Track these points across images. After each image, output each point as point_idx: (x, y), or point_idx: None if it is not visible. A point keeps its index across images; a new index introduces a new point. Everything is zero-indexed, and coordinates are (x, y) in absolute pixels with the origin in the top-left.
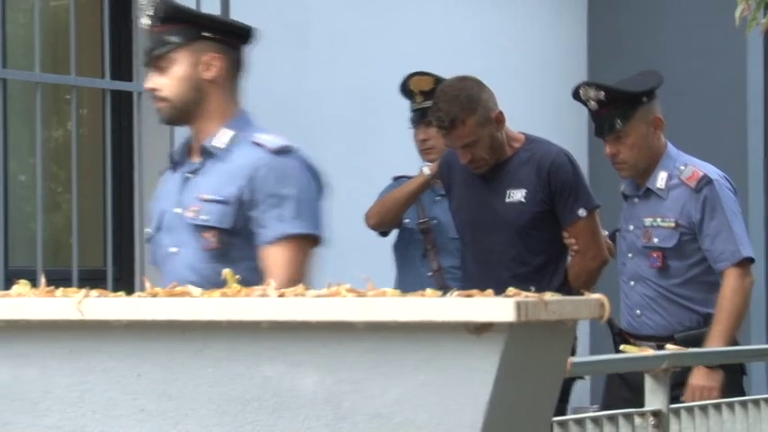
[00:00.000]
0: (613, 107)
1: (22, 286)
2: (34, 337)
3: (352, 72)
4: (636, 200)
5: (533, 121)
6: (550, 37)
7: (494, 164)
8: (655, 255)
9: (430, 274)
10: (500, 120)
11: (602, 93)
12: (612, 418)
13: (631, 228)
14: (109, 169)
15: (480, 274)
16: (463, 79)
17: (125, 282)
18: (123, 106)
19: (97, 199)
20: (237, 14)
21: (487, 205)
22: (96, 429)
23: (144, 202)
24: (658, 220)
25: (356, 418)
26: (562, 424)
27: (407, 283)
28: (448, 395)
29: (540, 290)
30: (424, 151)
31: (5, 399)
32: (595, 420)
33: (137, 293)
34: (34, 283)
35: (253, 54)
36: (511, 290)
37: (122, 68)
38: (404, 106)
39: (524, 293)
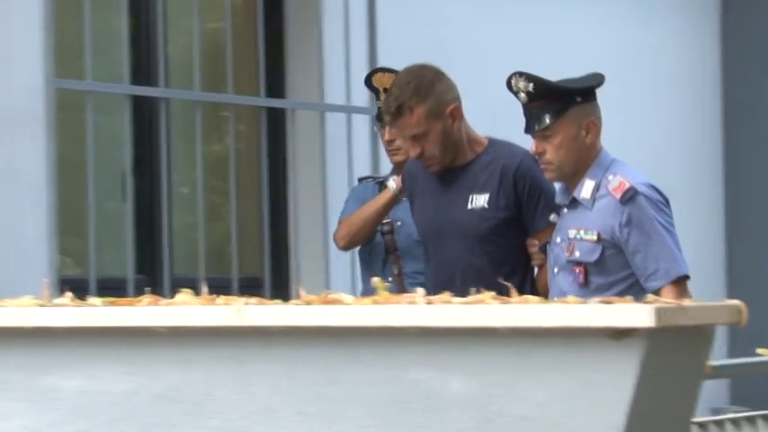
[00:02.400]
0: (543, 102)
1: (185, 295)
2: (198, 342)
3: (488, 86)
4: (565, 210)
5: (667, 129)
6: (683, 43)
7: (448, 164)
8: (577, 270)
9: (390, 279)
10: (456, 115)
11: (531, 85)
12: (751, 419)
13: (558, 240)
14: (265, 182)
15: (441, 286)
16: (422, 67)
17: (281, 289)
18: (277, 122)
19: (254, 210)
20: (384, 32)
21: (448, 212)
22: (257, 431)
23: (298, 213)
24: (581, 232)
25: (503, 420)
26: (702, 425)
27: (368, 289)
28: (591, 398)
29: None
30: (391, 152)
31: (172, 401)
32: (734, 422)
33: (293, 301)
34: (197, 292)
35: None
36: (650, 297)
37: (276, 87)
38: None
39: (663, 300)
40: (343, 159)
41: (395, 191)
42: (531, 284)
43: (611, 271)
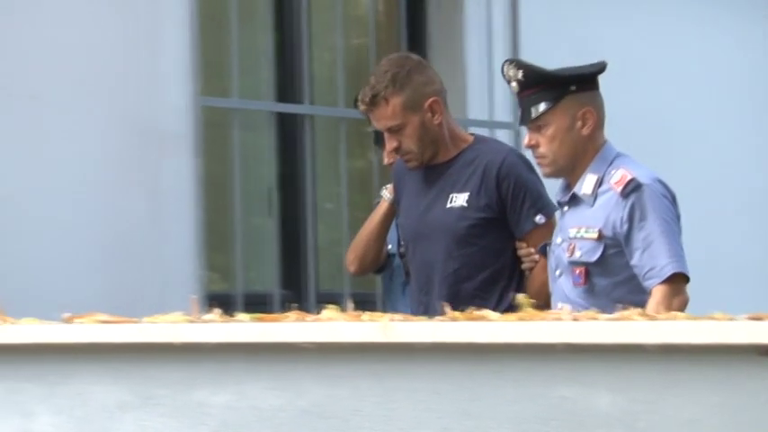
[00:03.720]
0: (535, 91)
1: (331, 311)
2: (344, 358)
3: (633, 94)
4: (565, 208)
5: None
6: None
7: (428, 161)
8: (578, 271)
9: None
10: (436, 109)
11: (521, 72)
12: None
13: (559, 240)
14: None
15: (421, 291)
16: (404, 57)
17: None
18: None
19: None
20: (526, 46)
21: (428, 212)
22: None
23: None
24: (582, 230)
25: None
26: None
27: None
28: (740, 416)
29: (489, 308)
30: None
31: (320, 417)
32: None
33: (437, 317)
34: (342, 307)
35: None
36: None
37: None
38: (686, 129)
39: None
40: None
41: (390, 200)
42: (518, 290)
43: (615, 271)
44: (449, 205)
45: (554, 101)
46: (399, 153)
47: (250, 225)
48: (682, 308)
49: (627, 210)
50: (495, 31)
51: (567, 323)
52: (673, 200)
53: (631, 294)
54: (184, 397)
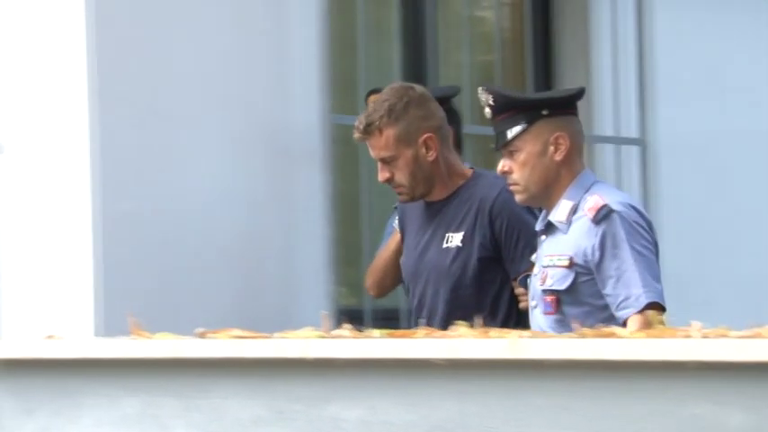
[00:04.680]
0: (507, 116)
1: (460, 327)
2: (473, 374)
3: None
4: (543, 237)
5: None
6: None
7: (420, 197)
8: (548, 299)
9: None
10: (431, 145)
11: (491, 97)
12: None
13: (536, 271)
14: None
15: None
16: (406, 88)
17: None
18: None
19: None
20: (653, 61)
21: (425, 252)
22: None
23: None
24: (555, 258)
25: None
26: None
27: None
28: None
29: None
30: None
31: None
32: None
33: (566, 334)
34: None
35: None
36: None
37: None
38: None
39: None
40: None
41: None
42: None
43: (585, 300)
44: (444, 245)
45: (525, 126)
46: (392, 185)
47: (378, 240)
48: None
49: (599, 238)
50: (622, 47)
51: (697, 340)
52: (647, 226)
53: (603, 323)
54: (318, 412)
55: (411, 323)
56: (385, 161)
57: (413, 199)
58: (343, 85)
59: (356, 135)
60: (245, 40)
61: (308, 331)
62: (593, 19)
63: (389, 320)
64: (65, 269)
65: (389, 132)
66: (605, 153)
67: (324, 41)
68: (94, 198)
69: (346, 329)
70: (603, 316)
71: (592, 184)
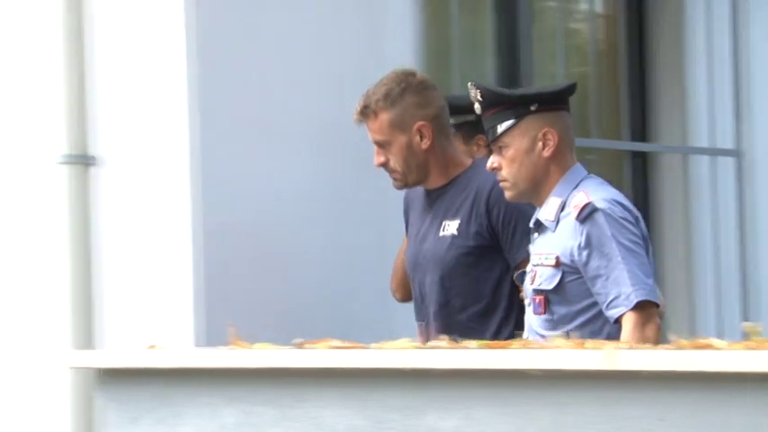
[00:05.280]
0: (495, 111)
1: (559, 338)
2: (569, 385)
3: None
4: (535, 234)
5: None
6: None
7: (413, 184)
8: (538, 299)
9: None
10: (425, 133)
11: (479, 93)
12: None
13: (528, 269)
14: None
15: (420, 324)
16: (407, 74)
17: None
18: (642, 164)
19: None
20: (749, 71)
21: (424, 241)
22: None
23: (661, 256)
24: (543, 257)
25: None
26: None
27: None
28: None
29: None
30: None
31: None
32: None
33: (662, 345)
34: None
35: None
36: None
37: (641, 130)
38: None
39: None
40: (707, 203)
41: None
42: (517, 323)
43: (574, 300)
44: (441, 234)
45: (514, 121)
46: (387, 169)
47: None
48: (655, 334)
49: (584, 236)
50: (717, 57)
51: None
52: (634, 221)
53: (591, 323)
54: (414, 421)
55: (417, 315)
56: (380, 144)
57: (406, 185)
58: None
59: (354, 116)
60: (339, 55)
61: (404, 342)
62: (688, 30)
63: None
64: (165, 280)
65: (384, 117)
66: (700, 164)
67: (419, 54)
68: (194, 210)
69: (443, 340)
70: (591, 314)
71: (581, 180)
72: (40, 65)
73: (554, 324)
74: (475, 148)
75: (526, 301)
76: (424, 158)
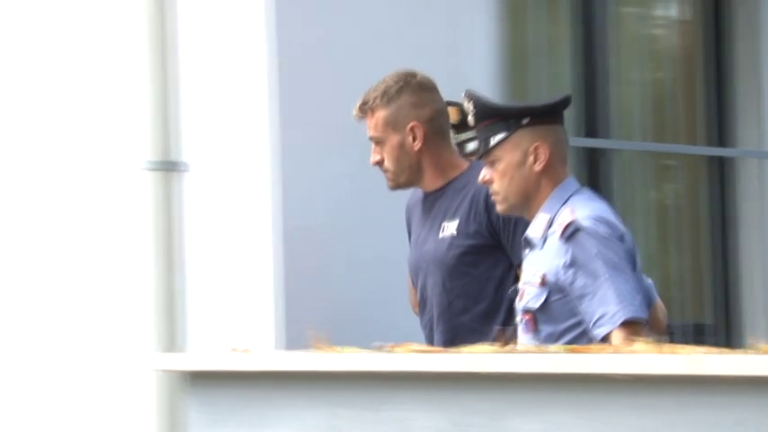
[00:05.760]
0: (487, 124)
1: (641, 343)
2: (652, 390)
3: None
4: (527, 250)
5: None
6: None
7: (404, 185)
8: (526, 318)
9: None
10: (417, 134)
11: (472, 105)
12: None
13: (519, 286)
14: (706, 230)
15: (426, 327)
16: (407, 74)
17: (727, 336)
18: (720, 170)
19: (694, 257)
20: None
21: (425, 244)
22: None
23: (742, 260)
24: (530, 275)
25: None
26: None
27: None
28: None
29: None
30: None
31: None
32: None
33: (747, 349)
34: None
35: None
36: None
37: (719, 135)
38: None
39: None
40: None
41: None
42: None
43: (559, 318)
44: (441, 235)
45: (505, 135)
46: (382, 168)
47: None
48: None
49: (569, 255)
50: None
51: None
52: (618, 238)
53: (577, 341)
54: (498, 425)
55: (421, 320)
56: (376, 142)
57: (397, 185)
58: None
59: (353, 113)
60: (418, 60)
61: (483, 346)
62: (765, 34)
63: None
64: (248, 283)
65: (380, 114)
66: None
67: (497, 59)
68: (275, 213)
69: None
70: (577, 333)
71: (570, 196)
72: (126, 73)
73: (541, 343)
74: None
75: (517, 320)
76: (417, 159)
